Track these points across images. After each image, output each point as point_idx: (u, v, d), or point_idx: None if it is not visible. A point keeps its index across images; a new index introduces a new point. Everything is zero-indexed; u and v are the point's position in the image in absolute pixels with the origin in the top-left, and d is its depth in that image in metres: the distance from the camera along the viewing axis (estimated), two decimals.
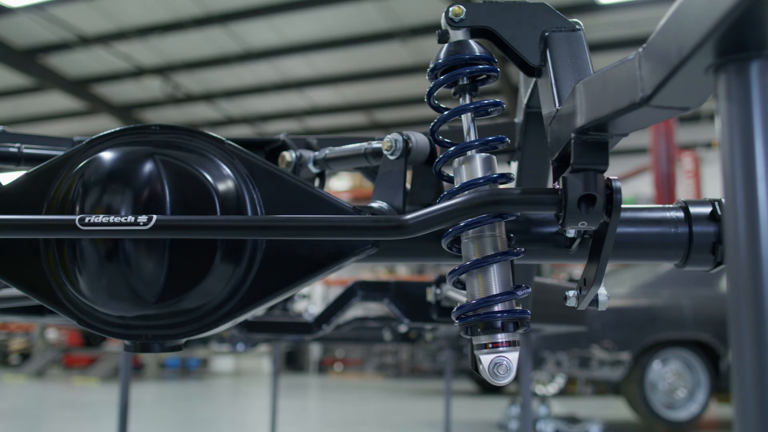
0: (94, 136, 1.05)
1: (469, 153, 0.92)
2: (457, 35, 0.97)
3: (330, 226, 0.86)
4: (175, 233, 0.88)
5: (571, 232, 0.99)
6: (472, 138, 0.94)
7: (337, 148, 1.26)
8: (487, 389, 10.70)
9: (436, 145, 1.06)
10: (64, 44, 12.10)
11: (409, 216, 0.84)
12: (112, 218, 0.87)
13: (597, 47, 12.14)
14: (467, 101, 0.96)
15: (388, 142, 1.02)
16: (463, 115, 0.95)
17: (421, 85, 13.88)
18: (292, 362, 16.60)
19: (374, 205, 1.03)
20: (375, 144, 1.16)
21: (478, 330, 0.87)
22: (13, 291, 1.48)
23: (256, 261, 0.99)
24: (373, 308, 9.14)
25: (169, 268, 0.94)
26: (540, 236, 1.01)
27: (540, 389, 9.53)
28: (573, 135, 0.76)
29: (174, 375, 14.45)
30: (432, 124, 0.97)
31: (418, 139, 1.03)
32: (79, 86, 14.13)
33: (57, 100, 14.41)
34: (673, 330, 5.89)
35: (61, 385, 11.55)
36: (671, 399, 5.99)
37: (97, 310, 1.00)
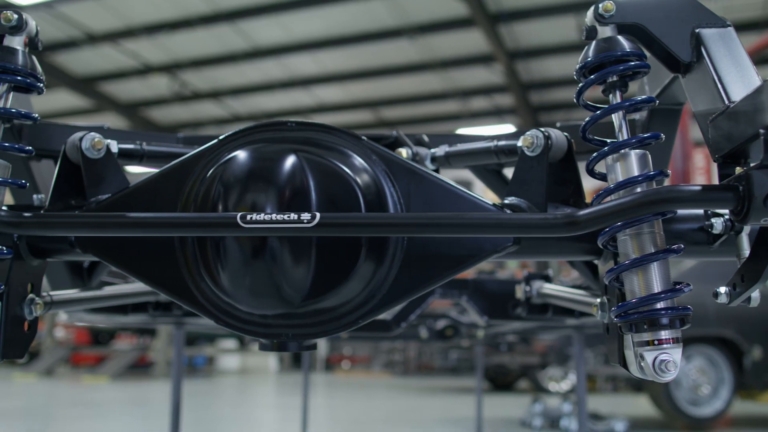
0: (227, 134, 1.04)
1: (622, 151, 0.92)
2: (605, 32, 0.96)
3: (498, 223, 0.86)
4: (339, 231, 0.88)
5: (717, 229, 0.99)
6: (625, 135, 0.93)
7: (460, 145, 1.25)
8: (499, 387, 10.71)
9: (572, 142, 1.06)
10: (72, 42, 12.06)
11: (582, 212, 0.84)
12: (274, 216, 0.86)
13: None
14: (617, 98, 0.95)
15: (528, 139, 1.01)
16: (614, 114, 0.95)
17: (428, 82, 13.87)
18: (299, 360, 16.59)
19: (511, 201, 1.03)
20: (504, 141, 1.15)
21: (645, 327, 0.87)
22: (99, 291, 1.48)
23: (397, 259, 0.98)
24: None
25: (316, 267, 0.93)
26: (682, 233, 1.01)
27: (553, 386, 9.55)
28: (763, 132, 0.76)
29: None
30: (584, 122, 0.96)
31: (557, 135, 1.02)
32: (86, 84, 14.09)
33: (63, 98, 14.36)
34: (696, 327, 5.89)
35: (71, 384, 11.53)
36: (695, 395, 6.00)
37: (237, 308, 0.99)
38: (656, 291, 0.87)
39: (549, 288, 1.59)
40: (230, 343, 16.34)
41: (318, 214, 0.86)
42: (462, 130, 13.73)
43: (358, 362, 16.26)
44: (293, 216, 0.86)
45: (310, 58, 13.15)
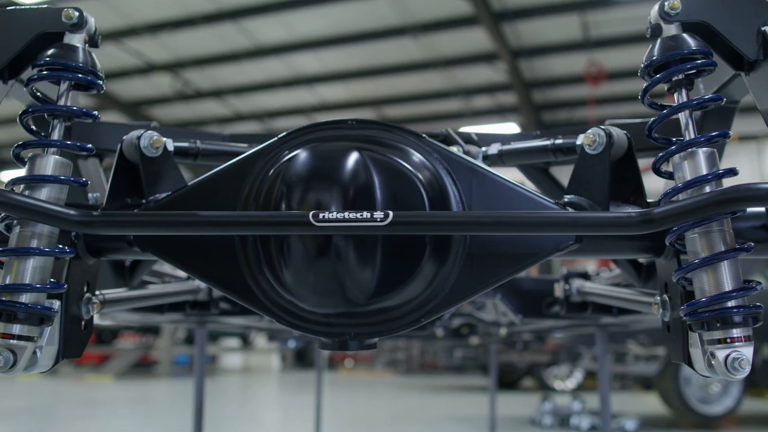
0: (286, 132, 1.04)
1: (690, 149, 0.92)
2: (669, 29, 0.96)
3: (574, 222, 0.86)
4: (412, 229, 0.87)
5: None
6: (692, 134, 0.93)
7: (515, 143, 1.25)
8: (504, 385, 10.72)
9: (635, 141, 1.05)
10: None
11: (657, 210, 0.84)
12: (347, 214, 0.86)
13: (610, 42, 12.14)
14: (684, 97, 0.95)
15: (590, 137, 1.01)
16: (680, 113, 0.94)
17: (431, 81, 13.86)
18: (302, 359, 16.60)
19: (571, 200, 1.02)
20: (562, 139, 1.15)
21: (717, 325, 0.87)
22: (147, 290, 1.47)
23: (459, 258, 0.98)
24: None
25: (381, 266, 0.93)
26: (743, 231, 1.00)
27: (558, 384, 9.57)
28: None
29: (184, 372, 14.44)
30: (650, 121, 0.96)
31: (618, 133, 1.02)
32: None
33: None
34: None
35: (75, 383, 11.53)
36: (705, 394, 6.01)
37: (299, 307, 0.99)
38: (727, 289, 0.87)
39: (591, 286, 1.59)
40: (233, 342, 16.34)
41: (391, 213, 0.86)
42: (464, 129, 13.70)
43: (361, 361, 16.26)
44: (366, 214, 0.85)
45: (313, 56, 13.13)
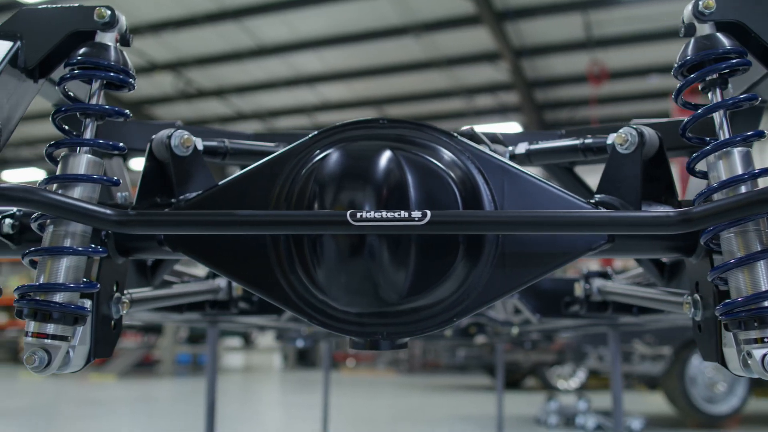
0: (317, 131, 1.04)
1: (725, 149, 0.91)
2: (703, 29, 0.96)
3: (612, 222, 0.86)
4: (451, 228, 0.87)
5: None
6: (726, 134, 0.93)
7: (543, 143, 1.25)
8: (506, 384, 10.70)
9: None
10: None
11: (696, 209, 0.84)
12: (384, 213, 0.86)
13: (613, 42, 12.14)
14: (718, 97, 0.95)
15: (622, 136, 1.01)
16: (715, 112, 0.94)
17: (432, 80, 13.86)
18: (304, 358, 16.60)
19: (602, 199, 1.02)
20: (592, 139, 1.15)
21: (755, 324, 0.86)
22: (172, 290, 1.47)
23: (492, 258, 0.98)
24: None
25: (415, 266, 0.93)
26: None
27: (561, 384, 9.57)
28: None
29: (186, 371, 14.44)
30: (684, 121, 0.96)
31: (650, 133, 1.02)
32: None
33: None
34: None
35: (78, 382, 11.53)
36: (711, 393, 6.02)
37: (332, 307, 0.99)
38: (764, 289, 0.87)
39: (613, 286, 1.59)
40: (234, 342, 16.34)
41: (429, 212, 0.85)
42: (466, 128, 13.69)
43: (363, 360, 16.26)
44: (404, 214, 0.85)
45: (315, 56, 13.14)
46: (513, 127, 15.26)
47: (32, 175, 17.26)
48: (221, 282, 1.69)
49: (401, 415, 7.72)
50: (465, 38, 12.08)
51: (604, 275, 1.66)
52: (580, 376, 9.53)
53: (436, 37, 12.08)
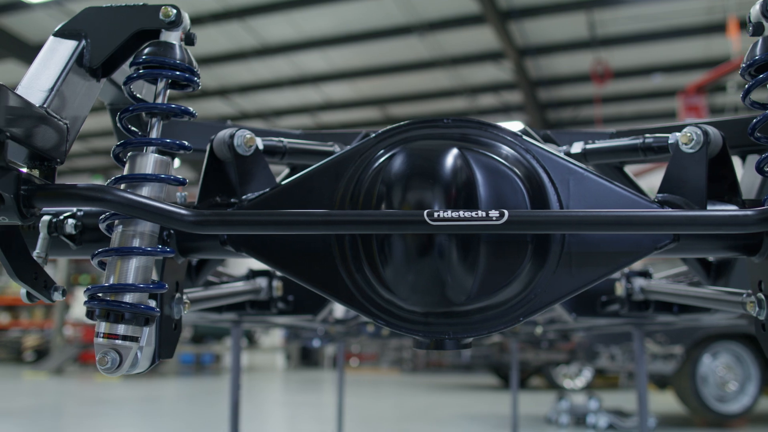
0: (381, 131, 1.03)
1: None
2: None
3: (690, 220, 0.85)
4: (528, 228, 0.87)
5: None
6: None
7: (600, 142, 1.25)
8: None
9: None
10: None
11: None
12: (462, 213, 0.85)
13: (617, 41, 12.15)
14: None
15: (688, 135, 1.00)
16: None
17: (437, 79, 13.86)
18: (307, 357, 16.61)
19: (665, 198, 1.02)
20: (652, 137, 1.14)
21: None
22: (223, 289, 1.46)
23: (557, 258, 0.98)
24: None
25: (484, 266, 0.93)
26: None
27: (568, 383, 9.57)
28: None
29: (189, 371, 14.44)
30: (754, 121, 0.95)
31: (713, 132, 1.01)
32: None
33: None
34: (723, 323, 5.91)
35: (83, 382, 11.53)
36: (722, 392, 6.01)
37: (398, 306, 0.98)
38: None
39: (658, 285, 1.59)
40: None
41: (506, 212, 0.85)
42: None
43: (366, 359, 16.26)
44: (481, 213, 0.85)
45: (319, 55, 13.13)
46: (516, 126, 15.25)
47: None
48: (262, 282, 1.68)
49: (409, 414, 7.72)
50: (469, 37, 12.08)
51: (645, 274, 1.66)
52: (587, 375, 9.54)
53: (441, 36, 12.08)
